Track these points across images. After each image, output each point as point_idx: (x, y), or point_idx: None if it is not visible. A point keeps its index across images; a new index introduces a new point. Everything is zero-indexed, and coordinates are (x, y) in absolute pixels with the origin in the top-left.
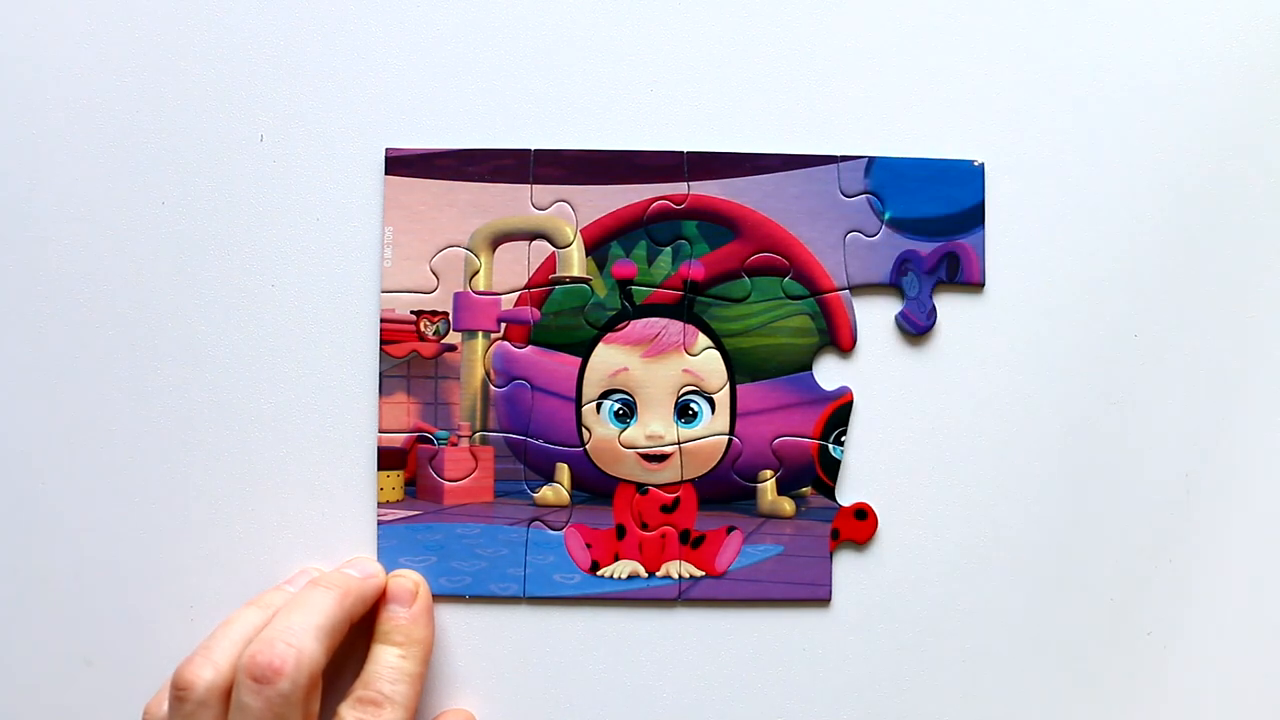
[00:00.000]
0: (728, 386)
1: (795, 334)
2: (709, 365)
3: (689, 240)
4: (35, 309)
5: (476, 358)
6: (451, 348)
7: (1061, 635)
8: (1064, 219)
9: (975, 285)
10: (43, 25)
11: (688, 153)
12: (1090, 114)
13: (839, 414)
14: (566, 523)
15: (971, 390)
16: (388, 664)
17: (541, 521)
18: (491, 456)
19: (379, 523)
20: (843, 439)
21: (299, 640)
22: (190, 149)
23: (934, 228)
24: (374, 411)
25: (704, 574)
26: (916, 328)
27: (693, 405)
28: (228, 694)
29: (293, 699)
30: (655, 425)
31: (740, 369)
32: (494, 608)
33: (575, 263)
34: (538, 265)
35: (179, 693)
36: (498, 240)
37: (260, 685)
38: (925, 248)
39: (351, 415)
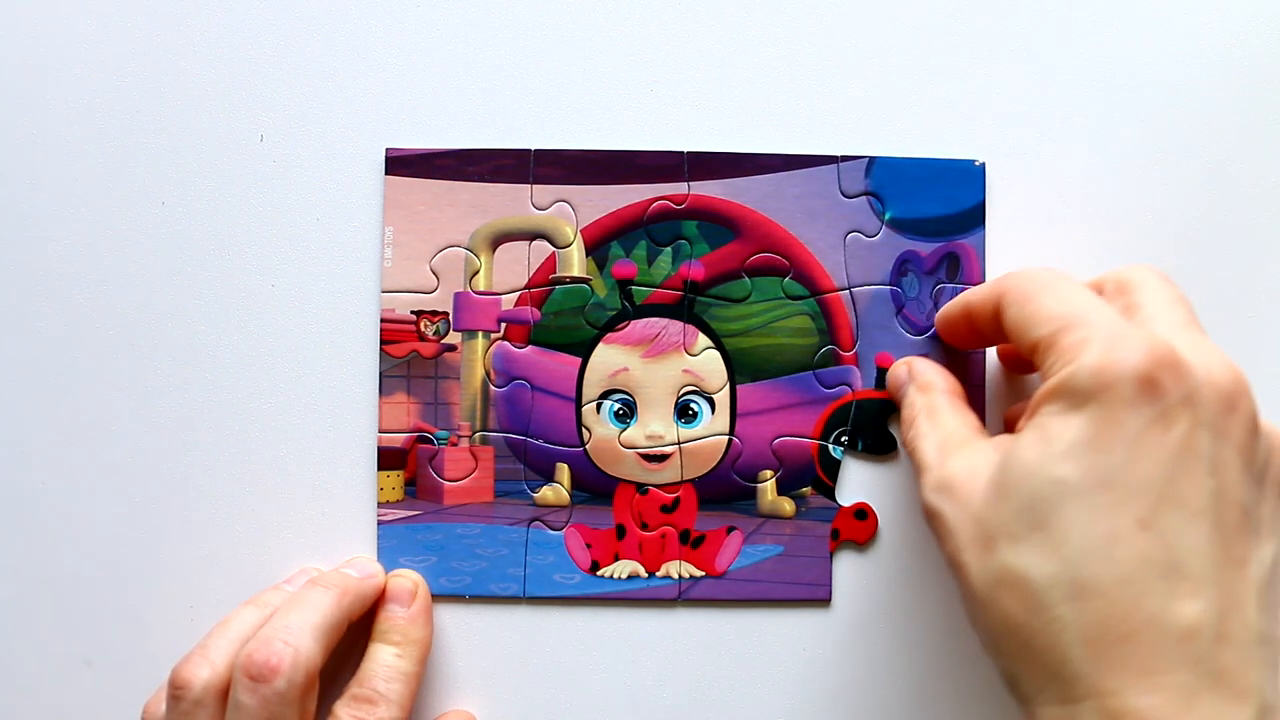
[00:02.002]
0: (728, 386)
1: (795, 334)
2: (709, 365)
3: (689, 240)
4: (35, 309)
5: (476, 358)
6: (451, 348)
7: None
8: (1064, 219)
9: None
10: (43, 25)
11: (688, 153)
12: (1090, 114)
13: (839, 414)
14: (566, 523)
15: None
16: (383, 662)
17: (541, 521)
18: (491, 456)
19: (379, 523)
20: (843, 439)
21: (296, 639)
22: (190, 149)
23: (934, 228)
24: (374, 411)
25: (704, 574)
26: (916, 328)
27: (693, 405)
28: (225, 693)
29: (289, 697)
30: (655, 425)
31: (740, 369)
32: (494, 608)
33: (575, 263)
34: (538, 265)
35: (176, 691)
36: (498, 240)
37: (256, 684)
38: (925, 248)
39: (351, 415)
